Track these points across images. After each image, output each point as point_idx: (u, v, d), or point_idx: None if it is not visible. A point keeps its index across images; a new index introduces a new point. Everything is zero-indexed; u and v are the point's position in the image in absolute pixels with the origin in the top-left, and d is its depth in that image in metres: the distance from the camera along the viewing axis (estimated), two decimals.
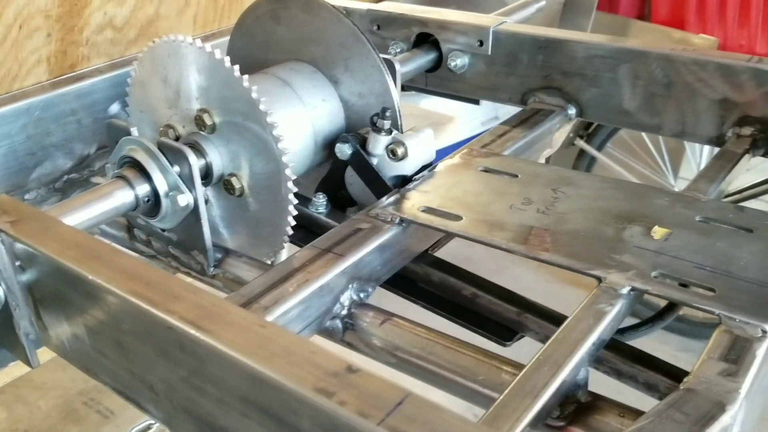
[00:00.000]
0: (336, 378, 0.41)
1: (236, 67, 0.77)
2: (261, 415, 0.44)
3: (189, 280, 0.88)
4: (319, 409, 0.40)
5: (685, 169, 2.75)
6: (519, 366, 0.61)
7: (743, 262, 0.64)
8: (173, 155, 0.76)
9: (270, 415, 0.44)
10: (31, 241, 0.58)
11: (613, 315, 0.60)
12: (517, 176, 0.83)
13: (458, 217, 0.76)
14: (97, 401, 2.47)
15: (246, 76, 0.76)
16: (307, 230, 0.89)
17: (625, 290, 0.62)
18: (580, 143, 2.70)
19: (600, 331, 0.58)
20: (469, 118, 3.08)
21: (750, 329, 0.56)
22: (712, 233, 0.69)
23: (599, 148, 2.70)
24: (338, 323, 0.71)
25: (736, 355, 0.54)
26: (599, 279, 0.63)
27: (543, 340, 0.73)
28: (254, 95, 0.76)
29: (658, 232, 0.69)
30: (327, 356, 0.43)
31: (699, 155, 2.61)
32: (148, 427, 1.98)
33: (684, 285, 0.62)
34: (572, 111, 1.03)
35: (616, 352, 0.68)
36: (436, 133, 1.68)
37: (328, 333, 0.71)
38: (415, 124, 1.56)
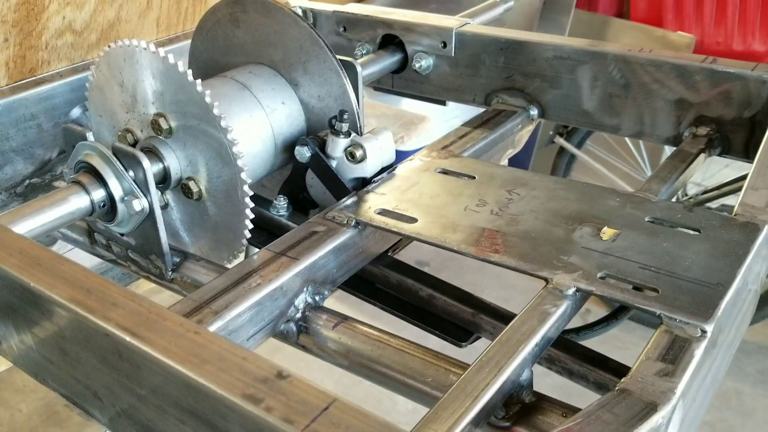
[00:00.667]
0: (265, 384, 0.42)
1: (189, 71, 0.77)
2: (195, 421, 0.45)
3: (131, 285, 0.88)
4: (247, 416, 0.41)
5: None
6: (466, 366, 0.61)
7: (688, 262, 0.65)
8: (128, 160, 0.76)
9: (203, 421, 0.44)
10: None
11: (557, 316, 0.60)
12: (474, 177, 0.84)
13: (413, 219, 0.76)
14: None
15: (199, 81, 0.77)
16: (268, 233, 0.89)
17: (570, 291, 0.62)
18: (560, 141, 2.72)
19: (544, 331, 0.59)
20: (446, 117, 3.09)
21: (689, 329, 0.57)
22: (660, 234, 0.70)
23: (579, 146, 2.71)
24: (292, 326, 0.71)
25: (674, 355, 0.55)
26: (546, 280, 0.64)
27: None
28: (208, 99, 0.76)
29: (606, 232, 0.70)
30: (258, 362, 0.44)
31: None
32: None
33: (631, 286, 0.63)
34: (534, 112, 1.04)
35: (567, 352, 0.69)
36: (409, 133, 1.69)
37: (282, 336, 0.72)
38: (386, 124, 1.57)
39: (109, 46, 0.82)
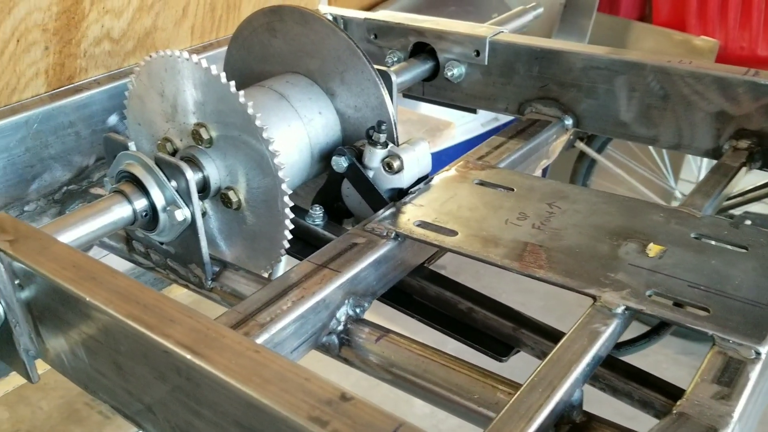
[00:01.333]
0: (330, 406, 0.42)
1: (232, 83, 0.77)
2: None
3: (184, 292, 0.88)
4: None
5: (686, 172, 2.75)
6: (514, 385, 0.61)
7: (737, 280, 0.64)
8: (170, 170, 0.76)
9: None
10: (28, 261, 0.58)
11: (607, 335, 0.60)
12: (512, 190, 0.83)
13: (453, 232, 0.76)
14: (99, 402, 2.48)
15: (242, 92, 0.77)
16: (304, 242, 0.89)
17: (619, 310, 0.62)
18: (581, 145, 2.71)
19: (594, 351, 0.58)
20: (468, 119, 3.09)
21: (743, 351, 0.56)
22: (707, 251, 0.69)
23: (599, 151, 2.70)
24: (334, 339, 0.71)
25: (730, 377, 0.54)
26: (594, 298, 0.64)
27: (539, 356, 0.74)
28: (250, 111, 0.76)
29: (652, 249, 0.69)
30: (321, 384, 0.44)
31: (700, 159, 2.62)
32: None
33: (678, 305, 0.62)
34: (569, 122, 1.03)
35: (611, 369, 0.69)
36: (434, 139, 1.69)
37: (324, 348, 0.72)
38: (412, 130, 1.57)
39: (150, 56, 0.82)
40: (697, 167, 2.64)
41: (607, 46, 1.03)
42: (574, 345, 0.59)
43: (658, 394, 0.66)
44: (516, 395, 0.53)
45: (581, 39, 2.94)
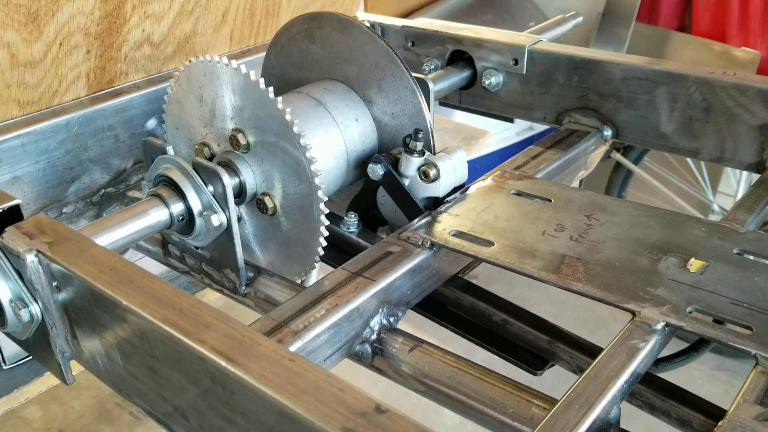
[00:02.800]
0: (364, 418, 0.41)
1: (270, 89, 0.77)
2: None
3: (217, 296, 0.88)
4: None
5: (724, 185, 2.70)
6: (549, 400, 0.60)
7: None
8: (207, 175, 0.77)
9: None
10: (66, 263, 0.59)
11: (646, 351, 0.59)
12: (550, 201, 0.82)
13: (489, 243, 0.75)
14: (130, 403, 2.51)
15: (280, 98, 0.77)
16: (338, 249, 0.89)
17: (659, 326, 0.60)
18: (617, 156, 2.67)
19: (633, 367, 0.57)
20: (503, 128, 3.06)
21: None
22: (750, 267, 0.67)
23: (636, 162, 2.66)
24: (368, 348, 0.71)
25: None
26: (633, 313, 0.62)
27: (575, 371, 0.73)
28: (288, 117, 0.76)
29: (694, 264, 0.68)
30: (355, 395, 0.43)
31: (739, 172, 2.56)
32: None
33: (719, 322, 0.61)
34: (608, 132, 1.02)
35: (648, 386, 0.67)
36: (469, 147, 1.68)
37: (357, 357, 0.71)
38: (447, 138, 1.56)
39: (189, 61, 0.83)
40: (736, 180, 2.59)
41: (645, 56, 1.01)
42: (613, 361, 0.58)
43: (697, 413, 0.65)
44: (552, 411, 0.52)
45: (619, 48, 2.90)
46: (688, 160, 2.69)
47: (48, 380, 0.99)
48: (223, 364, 0.46)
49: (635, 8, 2.85)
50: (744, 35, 2.71)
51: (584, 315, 2.80)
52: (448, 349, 0.69)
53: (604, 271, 0.68)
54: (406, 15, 2.87)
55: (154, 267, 0.95)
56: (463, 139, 1.60)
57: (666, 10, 2.98)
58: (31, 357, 0.98)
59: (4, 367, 0.95)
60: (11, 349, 0.95)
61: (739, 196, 2.51)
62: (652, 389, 0.67)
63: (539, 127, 3.10)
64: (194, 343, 0.48)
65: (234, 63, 0.79)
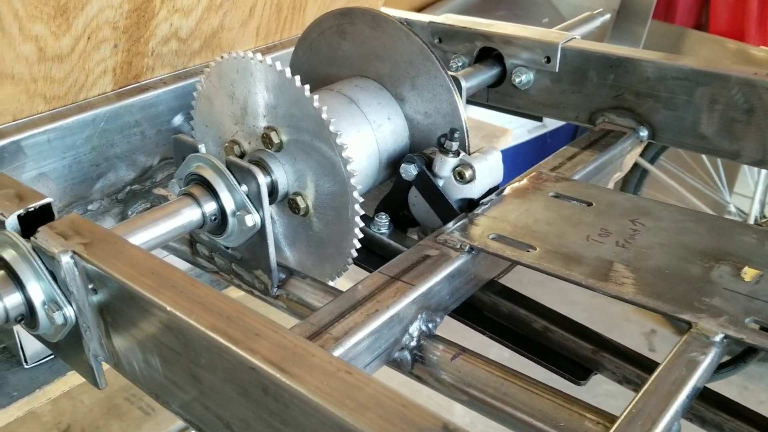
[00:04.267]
0: None
1: (306, 86, 0.75)
2: None
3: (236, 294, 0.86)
4: None
5: (741, 185, 2.67)
6: (602, 413, 0.58)
7: None
8: (241, 174, 0.75)
9: None
10: (105, 266, 0.57)
11: (706, 364, 0.57)
12: (591, 204, 0.80)
13: (531, 247, 0.73)
14: (139, 398, 2.50)
15: (316, 96, 0.75)
16: (367, 250, 0.87)
17: (718, 338, 0.58)
18: None
19: (693, 382, 0.55)
20: (515, 125, 3.04)
21: None
22: None
23: (652, 161, 2.64)
24: (407, 355, 0.69)
25: None
26: (689, 324, 0.60)
27: (620, 381, 0.71)
28: (324, 116, 0.74)
29: (748, 273, 0.65)
30: (420, 412, 0.41)
31: (757, 171, 2.54)
32: (187, 427, 1.99)
33: None
34: (644, 133, 0.99)
35: (700, 398, 0.65)
36: (487, 145, 1.65)
37: (395, 364, 0.69)
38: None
39: (221, 57, 0.81)
40: (754, 181, 2.56)
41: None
42: (672, 375, 0.55)
43: (752, 427, 0.63)
44: (614, 427, 0.50)
45: (635, 46, 2.87)
46: (705, 160, 2.67)
47: (70, 380, 0.97)
48: (277, 375, 0.44)
49: (652, 5, 2.82)
50: (763, 34, 2.68)
51: (597, 315, 2.77)
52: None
53: (655, 279, 0.66)
54: (419, 11, 2.84)
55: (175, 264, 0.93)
56: (484, 137, 1.58)
57: (683, 7, 2.95)
58: (53, 356, 0.96)
59: (26, 367, 0.93)
60: (32, 347, 0.93)
61: (758, 196, 2.48)
62: (703, 402, 0.65)
63: (552, 125, 3.07)
64: (245, 352, 0.46)
65: (269, 59, 0.77)
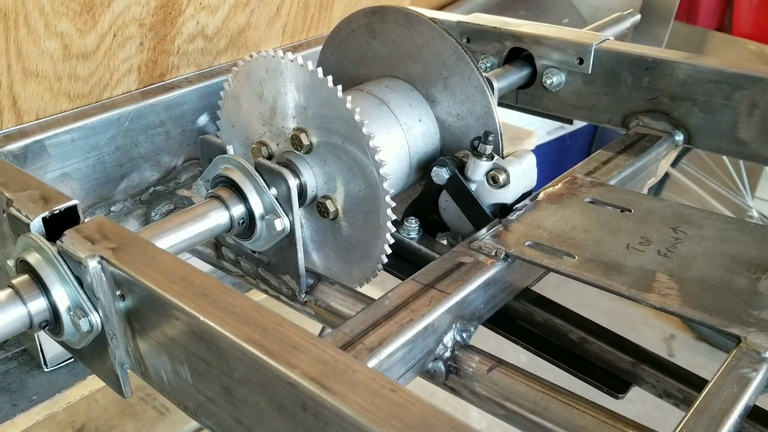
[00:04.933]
0: None
1: (339, 87, 0.73)
2: None
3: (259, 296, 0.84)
4: None
5: (762, 189, 2.63)
6: (646, 430, 0.56)
7: None
8: (270, 177, 0.73)
9: None
10: (134, 272, 0.55)
11: (758, 381, 0.54)
12: (629, 211, 0.77)
13: (569, 255, 0.71)
14: (153, 397, 2.49)
15: (349, 97, 0.73)
16: (396, 255, 0.85)
17: None
18: None
19: (745, 400, 0.52)
20: (534, 127, 3.01)
21: None
22: None
23: (673, 164, 2.60)
24: (441, 366, 0.66)
25: None
26: (739, 339, 0.58)
27: (660, 395, 0.68)
28: (357, 117, 0.72)
29: None
30: None
31: None
32: (201, 428, 1.97)
33: None
34: (680, 137, 0.97)
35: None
36: (514, 148, 1.63)
37: (429, 375, 0.67)
38: None
39: (250, 56, 0.79)
40: None
41: None
42: (723, 392, 0.53)
43: None
44: None
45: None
46: (727, 162, 2.63)
47: (90, 384, 0.96)
48: (318, 392, 0.42)
49: (674, 7, 2.78)
50: None
51: (614, 319, 2.74)
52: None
53: (701, 290, 0.64)
54: (440, 9, 2.81)
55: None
56: (508, 139, 1.55)
57: (705, 9, 2.90)
58: (73, 359, 0.95)
59: (46, 370, 0.92)
60: (53, 350, 0.92)
61: None
62: (749, 418, 0.62)
63: (570, 127, 3.04)
64: (283, 366, 0.44)
65: (300, 59, 0.75)
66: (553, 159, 3.08)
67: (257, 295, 1.00)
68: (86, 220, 0.63)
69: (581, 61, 1.03)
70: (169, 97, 0.90)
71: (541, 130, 3.01)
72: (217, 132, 0.89)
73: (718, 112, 0.93)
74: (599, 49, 1.01)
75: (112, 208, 0.89)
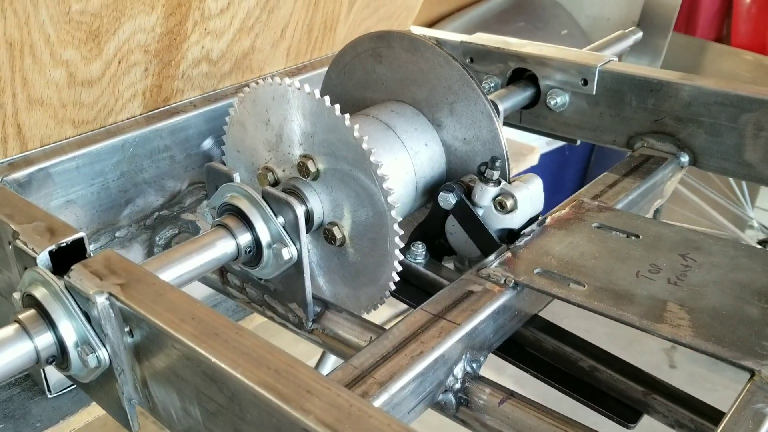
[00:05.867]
0: None
1: (347, 115, 0.73)
2: None
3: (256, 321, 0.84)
4: None
5: (762, 199, 2.63)
6: None
7: None
8: (278, 205, 0.72)
9: None
10: (143, 310, 0.54)
11: None
12: (638, 236, 0.77)
13: (579, 284, 0.70)
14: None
15: (357, 126, 0.72)
16: (403, 281, 0.84)
17: None
18: None
19: None
20: (531, 138, 3.01)
21: None
22: None
23: None
24: (451, 398, 0.66)
25: None
26: (752, 372, 0.57)
27: (672, 425, 0.67)
28: (365, 146, 0.72)
29: None
30: None
31: None
32: None
33: None
34: (685, 159, 0.97)
35: None
36: (517, 164, 1.62)
37: (439, 407, 0.66)
38: None
39: (256, 83, 0.78)
40: None
41: (680, 67, 0.96)
42: (738, 428, 0.52)
43: None
44: None
45: (655, 59, 2.84)
46: None
47: (95, 410, 0.95)
48: None
49: (673, 18, 2.78)
50: None
51: (616, 331, 2.72)
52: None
53: (712, 320, 0.63)
54: (436, 22, 2.82)
55: (195, 289, 0.91)
56: (512, 155, 1.55)
57: (704, 20, 2.91)
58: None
59: (49, 396, 0.91)
60: (56, 376, 0.91)
61: None
62: None
63: (561, 143, 3.04)
64: (297, 412, 0.44)
65: (307, 87, 0.74)
66: (552, 170, 3.08)
67: (260, 318, 0.99)
68: (93, 253, 0.62)
69: (585, 82, 1.03)
70: (174, 121, 0.90)
71: (541, 140, 3.01)
72: (221, 157, 0.88)
73: (723, 134, 0.93)
74: (603, 71, 1.01)
75: (117, 234, 0.88)
